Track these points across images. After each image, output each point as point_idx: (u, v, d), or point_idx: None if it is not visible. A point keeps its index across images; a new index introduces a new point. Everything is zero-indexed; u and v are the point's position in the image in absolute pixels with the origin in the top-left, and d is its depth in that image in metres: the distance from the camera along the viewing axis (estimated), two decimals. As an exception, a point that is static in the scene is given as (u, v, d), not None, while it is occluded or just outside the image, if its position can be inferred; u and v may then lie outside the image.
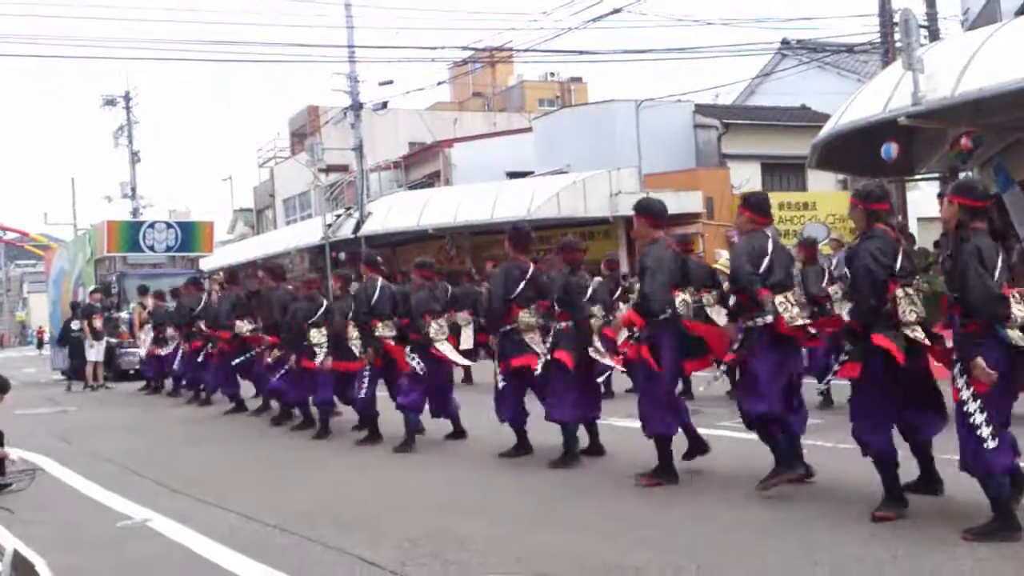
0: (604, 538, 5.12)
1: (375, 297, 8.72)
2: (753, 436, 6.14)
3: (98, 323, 17.61)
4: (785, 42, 26.93)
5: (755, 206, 6.17)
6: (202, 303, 14.07)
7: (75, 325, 18.23)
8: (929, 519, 5.04)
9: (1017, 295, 4.71)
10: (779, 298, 5.83)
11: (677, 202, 21.98)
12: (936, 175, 18.32)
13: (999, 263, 4.69)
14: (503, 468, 7.41)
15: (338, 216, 27.61)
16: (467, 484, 7.00)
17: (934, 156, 15.71)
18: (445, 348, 8.41)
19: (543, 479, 6.87)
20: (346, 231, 26.30)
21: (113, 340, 18.53)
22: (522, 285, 7.52)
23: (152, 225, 21.70)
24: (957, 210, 4.85)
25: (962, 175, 17.97)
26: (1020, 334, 4.63)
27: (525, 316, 7.50)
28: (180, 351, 14.47)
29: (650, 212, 6.58)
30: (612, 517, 5.62)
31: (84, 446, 10.10)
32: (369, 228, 25.46)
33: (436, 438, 8.79)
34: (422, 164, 31.21)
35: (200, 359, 13.52)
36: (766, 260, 5.90)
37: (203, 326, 13.49)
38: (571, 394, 7.16)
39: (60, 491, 7.57)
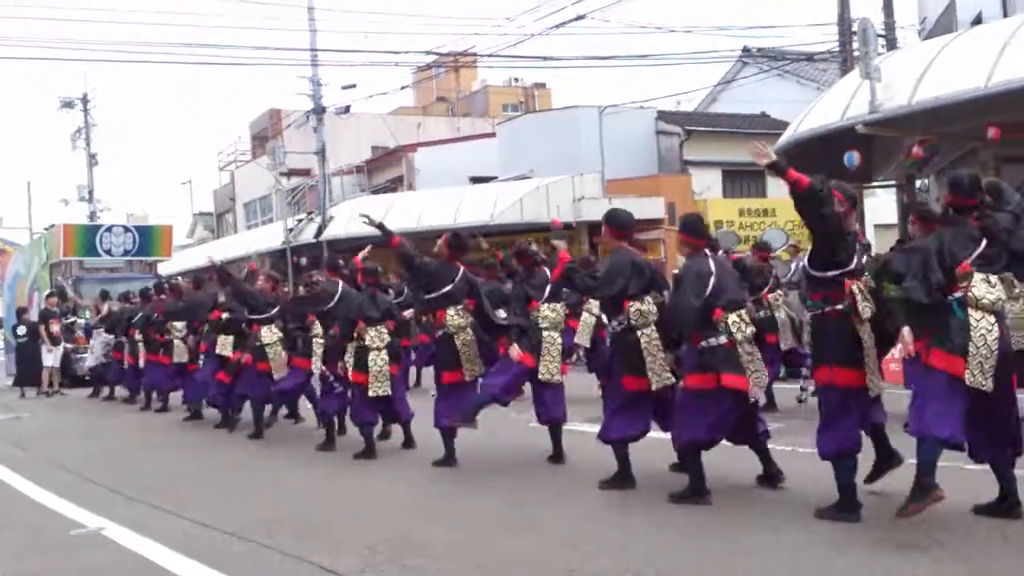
0: (564, 544, 5.11)
1: (333, 302, 8.66)
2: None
3: (55, 328, 17.31)
4: (746, 50, 27.18)
5: (690, 228, 6.10)
6: (140, 313, 14.15)
7: (21, 331, 17.89)
8: (888, 523, 5.09)
9: (994, 278, 4.86)
10: (732, 317, 5.77)
11: (639, 208, 22.05)
12: (893, 183, 18.60)
13: (968, 250, 4.90)
14: (463, 474, 7.37)
15: (300, 220, 27.43)
16: (428, 490, 6.95)
17: (891, 164, 15.95)
18: (381, 359, 8.25)
19: (504, 485, 6.86)
20: (308, 235, 26.13)
21: (69, 345, 18.23)
22: (448, 287, 7.56)
23: (109, 229, 21.33)
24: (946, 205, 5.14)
25: (918, 183, 18.31)
26: (983, 315, 4.80)
27: (454, 317, 7.55)
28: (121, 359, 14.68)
29: (613, 222, 6.58)
30: (573, 523, 5.61)
31: (38, 453, 9.93)
32: (331, 233, 25.30)
33: (397, 445, 8.74)
34: (385, 169, 31.10)
35: (142, 365, 13.64)
36: (712, 280, 5.80)
37: (137, 335, 13.80)
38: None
39: (13, 499, 7.44)
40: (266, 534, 5.63)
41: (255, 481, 7.79)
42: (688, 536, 5.17)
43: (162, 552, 5.40)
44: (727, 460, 6.33)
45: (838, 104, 13.48)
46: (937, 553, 4.52)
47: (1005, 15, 14.20)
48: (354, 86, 27.83)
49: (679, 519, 5.52)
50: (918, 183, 18.36)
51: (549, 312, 7.48)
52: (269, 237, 28.87)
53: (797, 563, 4.55)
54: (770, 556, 4.68)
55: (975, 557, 4.46)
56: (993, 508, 5.04)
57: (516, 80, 42.21)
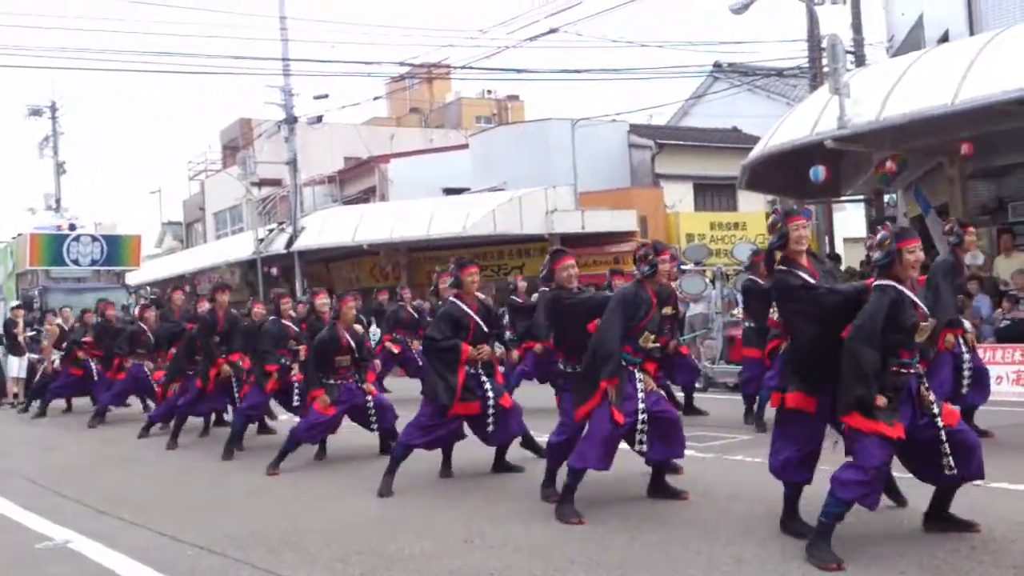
0: (536, 556, 5.11)
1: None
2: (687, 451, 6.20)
3: (21, 338, 17.06)
4: (717, 65, 27.42)
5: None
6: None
7: None
8: (857, 536, 5.14)
9: None
10: None
11: (612, 220, 22.21)
12: (861, 197, 18.82)
13: None
14: (435, 487, 7.36)
15: (271, 231, 27.25)
16: (399, 503, 6.92)
17: (860, 178, 16.15)
18: None
19: (476, 498, 6.85)
20: (278, 246, 25.96)
21: (35, 356, 17.96)
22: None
23: (77, 238, 21.07)
24: None
25: (886, 197, 18.53)
26: None
27: None
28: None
29: None
30: (544, 535, 5.61)
31: (3, 464, 9.79)
32: (302, 243, 25.16)
33: (366, 458, 8.70)
34: (358, 179, 30.99)
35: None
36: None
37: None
38: None
39: (-24, 512, 7.33)
40: (236, 548, 5.59)
41: (225, 494, 7.73)
42: (658, 547, 5.19)
43: (130, 566, 5.36)
44: (698, 470, 6.36)
45: (808, 119, 13.62)
46: (904, 563, 4.57)
47: (971, 33, 14.43)
48: (326, 96, 27.69)
49: (651, 530, 5.54)
50: (886, 197, 18.60)
51: None
52: (239, 247, 28.64)
53: (765, 573, 4.58)
54: (740, 567, 4.70)
55: (943, 568, 4.51)
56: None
57: (489, 92, 42.29)
